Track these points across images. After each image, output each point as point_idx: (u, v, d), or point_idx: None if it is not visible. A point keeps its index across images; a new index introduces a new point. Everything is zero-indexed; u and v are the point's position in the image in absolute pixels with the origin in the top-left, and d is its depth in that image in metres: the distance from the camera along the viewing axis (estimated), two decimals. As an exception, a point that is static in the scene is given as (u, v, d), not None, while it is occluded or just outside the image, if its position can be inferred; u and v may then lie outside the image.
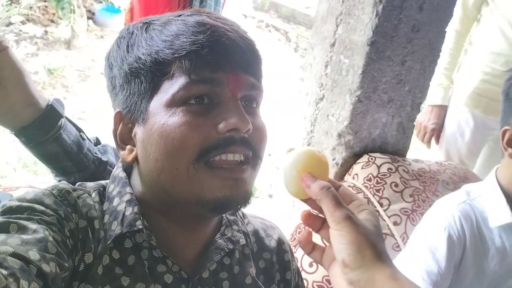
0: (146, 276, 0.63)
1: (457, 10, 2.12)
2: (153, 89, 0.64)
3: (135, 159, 0.66)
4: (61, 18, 4.91)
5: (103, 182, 0.73)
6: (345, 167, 1.55)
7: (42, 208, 0.59)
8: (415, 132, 1.59)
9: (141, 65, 0.63)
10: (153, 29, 0.65)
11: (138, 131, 0.65)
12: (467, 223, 1.13)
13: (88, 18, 5.34)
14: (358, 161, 1.53)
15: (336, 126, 1.54)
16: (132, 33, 0.67)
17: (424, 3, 1.44)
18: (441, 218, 1.15)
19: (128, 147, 0.67)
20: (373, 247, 0.53)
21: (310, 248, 0.63)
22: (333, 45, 1.54)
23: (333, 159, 1.56)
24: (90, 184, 0.70)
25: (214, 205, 0.62)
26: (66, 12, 4.50)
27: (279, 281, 0.80)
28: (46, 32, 4.99)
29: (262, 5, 6.63)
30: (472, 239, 1.14)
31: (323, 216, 0.59)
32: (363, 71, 1.44)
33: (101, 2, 5.55)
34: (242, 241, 0.74)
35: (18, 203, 0.58)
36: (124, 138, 0.67)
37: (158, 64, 0.62)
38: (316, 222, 0.62)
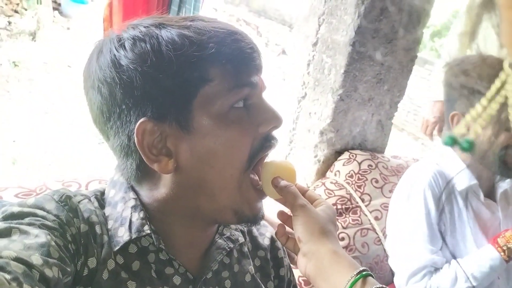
0: (153, 279, 0.64)
1: (461, 12, 2.20)
2: (192, 96, 0.61)
3: (175, 168, 0.63)
4: (25, 9, 4.74)
5: (98, 187, 0.73)
6: (327, 164, 1.58)
7: (44, 213, 0.59)
8: (420, 127, 1.70)
9: (179, 71, 0.60)
10: (179, 33, 0.61)
11: (181, 140, 0.62)
12: (443, 181, 1.29)
13: (54, 9, 5.18)
14: (339, 158, 1.57)
15: (318, 124, 1.57)
16: (155, 36, 0.61)
17: (403, 5, 1.49)
18: (422, 180, 1.28)
19: (163, 157, 0.62)
20: (320, 226, 0.66)
21: (285, 239, 0.74)
22: (315, 44, 1.57)
23: (315, 156, 1.59)
24: (84, 191, 0.70)
25: (247, 218, 0.69)
26: (32, 3, 4.34)
27: (274, 277, 0.82)
28: (9, 23, 4.81)
29: (232, -2, 6.62)
30: (449, 197, 1.29)
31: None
32: (345, 70, 1.48)
33: (67, -8, 5.39)
34: (241, 239, 0.76)
35: (19, 209, 0.58)
36: (154, 149, 0.62)
37: (197, 70, 0.60)
38: (287, 217, 0.74)
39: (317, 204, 0.72)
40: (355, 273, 0.61)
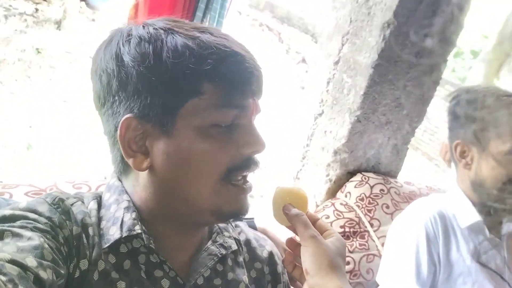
0: (142, 280, 0.65)
1: (493, 39, 2.21)
2: (179, 104, 0.63)
3: (148, 167, 0.66)
4: (54, -3, 4.81)
5: (99, 191, 0.74)
6: (338, 184, 1.57)
7: (35, 216, 0.59)
8: (439, 152, 1.69)
9: (172, 79, 0.62)
10: (183, 43, 0.62)
11: (160, 143, 0.64)
12: (442, 222, 1.24)
13: (81, 0, 5.25)
14: (351, 179, 1.56)
15: (333, 143, 1.56)
16: (160, 41, 0.63)
17: (429, 31, 1.47)
18: (418, 219, 1.25)
19: (139, 154, 0.65)
20: (329, 260, 0.66)
21: (292, 267, 0.74)
22: (337, 63, 1.56)
23: (327, 175, 1.58)
24: (86, 194, 0.71)
25: (226, 216, 0.69)
26: (60, -8, 4.41)
27: None
28: (36, 10, 4.88)
29: (257, 3, 6.63)
30: (447, 237, 1.24)
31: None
32: (365, 92, 1.47)
33: (95, -16, 5.45)
34: (234, 246, 0.77)
35: (11, 212, 0.58)
36: (134, 145, 0.65)
37: (190, 82, 0.62)
38: (296, 245, 0.73)
39: (327, 235, 0.72)
40: None
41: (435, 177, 5.85)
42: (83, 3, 5.33)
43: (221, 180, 0.66)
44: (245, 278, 0.76)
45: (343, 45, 1.54)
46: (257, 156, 0.70)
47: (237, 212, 0.69)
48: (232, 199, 0.68)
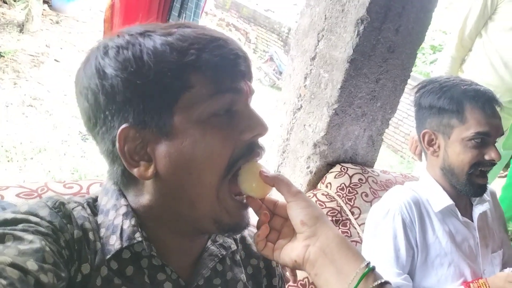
0: (145, 285, 0.65)
1: (454, 37, 2.34)
2: (172, 102, 0.62)
3: (154, 174, 0.64)
4: (15, 0, 4.67)
5: (91, 195, 0.73)
6: (319, 175, 1.62)
7: (37, 219, 0.59)
8: (409, 146, 1.75)
9: (159, 78, 0.60)
10: (162, 41, 0.62)
11: (161, 146, 0.63)
12: (417, 207, 1.31)
13: (44, 2, 5.12)
14: (331, 171, 1.61)
15: (312, 136, 1.61)
16: (138, 44, 0.62)
17: (400, 26, 1.54)
18: (394, 206, 1.30)
19: (143, 163, 0.63)
20: (320, 211, 0.68)
21: (263, 244, 0.71)
22: (313, 58, 1.61)
23: (308, 168, 1.63)
24: (76, 198, 0.70)
25: (226, 226, 0.67)
26: (23, -6, 4.30)
27: (266, 286, 0.84)
28: (-3, 13, 4.74)
29: (223, 3, 6.65)
30: (422, 222, 1.31)
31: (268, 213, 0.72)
32: (342, 86, 1.52)
33: (58, -14, 5.34)
34: (234, 246, 0.78)
35: (12, 215, 0.58)
36: (135, 155, 0.63)
37: (177, 77, 0.61)
38: (274, 205, 0.74)
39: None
40: (363, 265, 0.61)
41: (400, 168, 6.03)
42: (46, 5, 5.20)
43: (223, 178, 0.65)
44: (243, 276, 0.78)
45: (319, 41, 1.59)
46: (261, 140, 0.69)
47: (237, 224, 0.68)
48: (233, 212, 0.67)
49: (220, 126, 0.63)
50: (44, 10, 5.08)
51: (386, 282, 0.60)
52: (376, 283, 0.59)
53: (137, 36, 0.63)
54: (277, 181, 0.69)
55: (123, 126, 0.61)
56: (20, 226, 0.56)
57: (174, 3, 1.88)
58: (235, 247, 0.78)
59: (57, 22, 5.21)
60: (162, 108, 0.61)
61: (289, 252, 0.67)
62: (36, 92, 4.25)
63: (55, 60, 4.99)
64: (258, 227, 0.72)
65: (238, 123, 0.65)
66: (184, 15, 2.01)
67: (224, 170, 0.64)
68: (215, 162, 0.63)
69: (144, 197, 0.67)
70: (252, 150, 0.67)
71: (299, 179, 1.66)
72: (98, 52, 0.63)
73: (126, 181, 0.67)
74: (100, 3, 6.56)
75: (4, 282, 0.46)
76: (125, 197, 0.68)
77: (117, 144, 0.61)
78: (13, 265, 0.49)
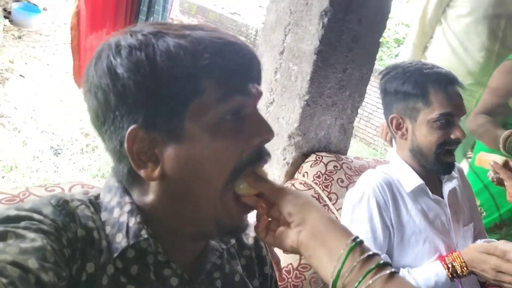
0: (152, 281, 0.66)
1: (415, 26, 2.44)
2: (183, 106, 0.61)
3: (160, 175, 0.64)
4: (-26, 16, 4.57)
5: (92, 191, 0.74)
6: (295, 166, 1.67)
7: (40, 217, 0.59)
8: (380, 133, 1.81)
9: (171, 82, 0.60)
10: (175, 43, 0.61)
11: (169, 149, 0.63)
12: (389, 189, 1.37)
13: (5, 17, 5.02)
14: (307, 160, 1.66)
15: (286, 128, 1.65)
16: (151, 45, 0.61)
17: (362, 16, 1.61)
18: (367, 189, 1.36)
19: (150, 164, 0.64)
20: (306, 198, 0.70)
21: (265, 233, 0.73)
22: (282, 53, 1.66)
23: (284, 159, 1.67)
24: (79, 196, 0.70)
25: (226, 229, 0.69)
26: (-19, 10, 4.20)
27: (258, 275, 0.87)
28: (-44, 30, 4.62)
29: (189, 9, 6.65)
30: (396, 202, 1.37)
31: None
32: (311, 77, 1.57)
33: (18, 0, 5.23)
34: (233, 240, 0.81)
35: (16, 212, 0.58)
36: (143, 156, 0.63)
37: (190, 81, 0.61)
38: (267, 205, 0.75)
39: None
40: (350, 241, 0.63)
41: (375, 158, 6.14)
42: (7, 20, 5.10)
43: (228, 183, 0.65)
44: (239, 268, 0.80)
45: (286, 35, 1.64)
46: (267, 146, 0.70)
47: (237, 227, 0.70)
48: (235, 215, 0.69)
49: (229, 131, 0.64)
50: (5, 25, 4.98)
51: (375, 254, 0.63)
52: (363, 256, 0.62)
53: (150, 37, 0.62)
54: (258, 186, 0.69)
55: (133, 126, 0.61)
56: (22, 223, 0.56)
57: (141, 6, 1.89)
58: (234, 241, 0.81)
59: (19, 37, 5.11)
60: (173, 112, 0.62)
61: (286, 238, 0.69)
62: (3, 110, 4.17)
63: (20, 75, 4.89)
64: (257, 219, 0.73)
65: (246, 128, 0.65)
66: (152, 18, 2.03)
67: (230, 174, 0.65)
68: (222, 167, 0.64)
69: (148, 197, 0.67)
70: (261, 157, 0.68)
71: (277, 171, 1.70)
72: (110, 50, 0.62)
73: (131, 180, 0.67)
74: (63, 15, 6.49)
75: (4, 280, 0.47)
76: (129, 194, 0.68)
77: (125, 144, 0.62)
78: (13, 263, 0.49)
